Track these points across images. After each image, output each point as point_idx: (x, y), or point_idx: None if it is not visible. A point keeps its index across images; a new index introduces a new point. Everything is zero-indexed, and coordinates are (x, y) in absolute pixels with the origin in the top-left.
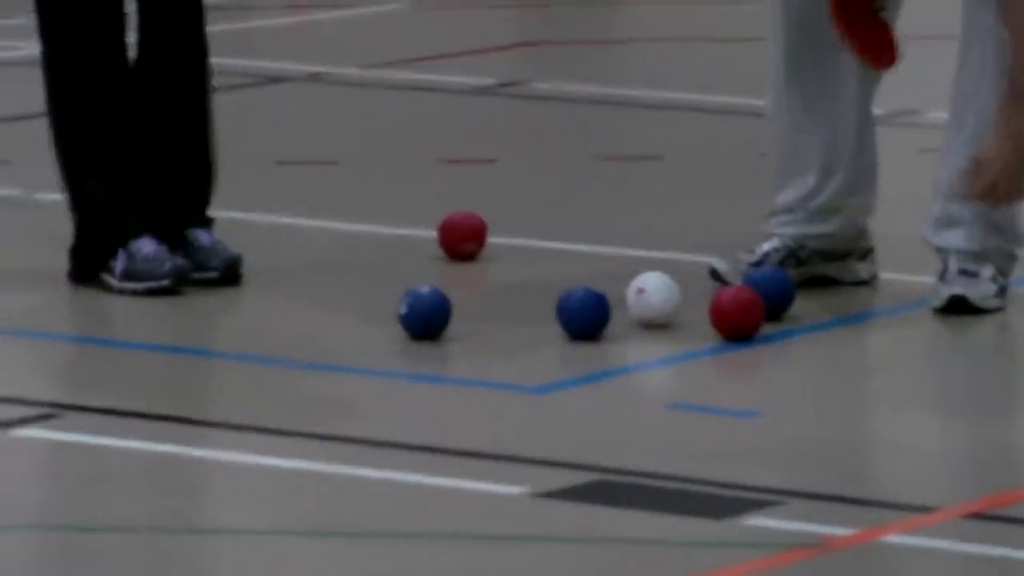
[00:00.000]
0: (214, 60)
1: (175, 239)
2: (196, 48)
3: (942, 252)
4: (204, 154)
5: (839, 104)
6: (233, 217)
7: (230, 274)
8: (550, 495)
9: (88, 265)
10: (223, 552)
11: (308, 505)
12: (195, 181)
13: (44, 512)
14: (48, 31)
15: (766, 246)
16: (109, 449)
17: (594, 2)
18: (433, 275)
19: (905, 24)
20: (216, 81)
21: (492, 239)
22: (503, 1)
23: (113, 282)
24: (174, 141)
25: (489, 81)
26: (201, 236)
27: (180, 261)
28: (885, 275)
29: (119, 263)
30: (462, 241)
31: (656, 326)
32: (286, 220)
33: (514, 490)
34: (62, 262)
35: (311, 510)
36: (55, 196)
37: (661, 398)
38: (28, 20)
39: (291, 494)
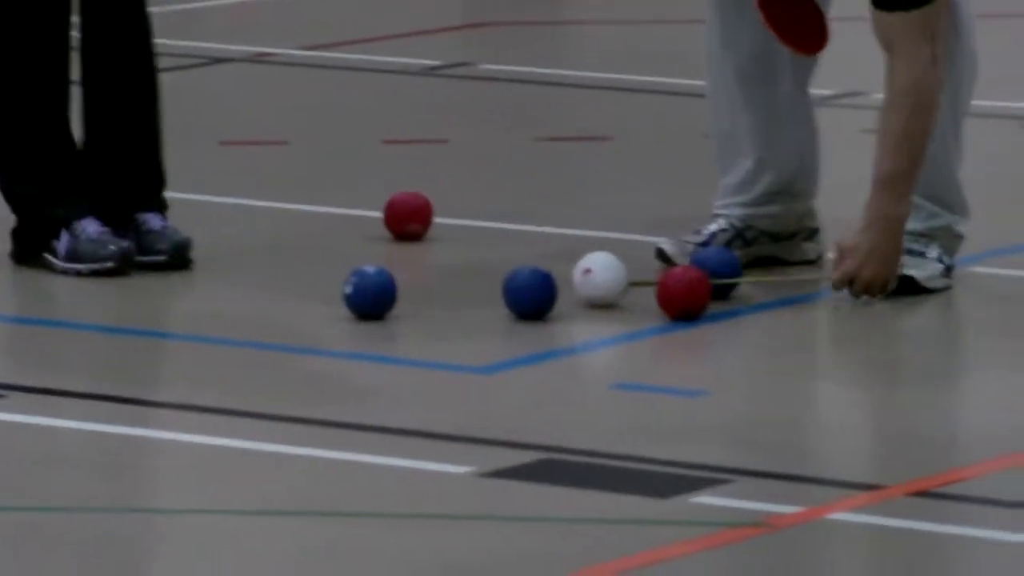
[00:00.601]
0: (158, 41)
1: (125, 222)
2: (140, 29)
3: None
4: (152, 136)
5: (774, 88)
6: (178, 197)
7: (179, 258)
8: (496, 474)
9: (31, 246)
10: (170, 532)
11: (254, 485)
12: (144, 164)
13: None
14: None
15: (713, 227)
16: (55, 429)
17: None
18: (379, 255)
19: (850, 5)
20: (161, 62)
21: (438, 219)
22: None
23: (56, 263)
24: (120, 123)
25: (436, 62)
26: (151, 219)
27: (125, 243)
28: (832, 255)
29: (63, 244)
30: (408, 221)
31: (603, 306)
32: (231, 200)
33: (460, 469)
34: (4, 243)
35: (257, 490)
36: None
37: (608, 378)
38: None
39: (237, 474)
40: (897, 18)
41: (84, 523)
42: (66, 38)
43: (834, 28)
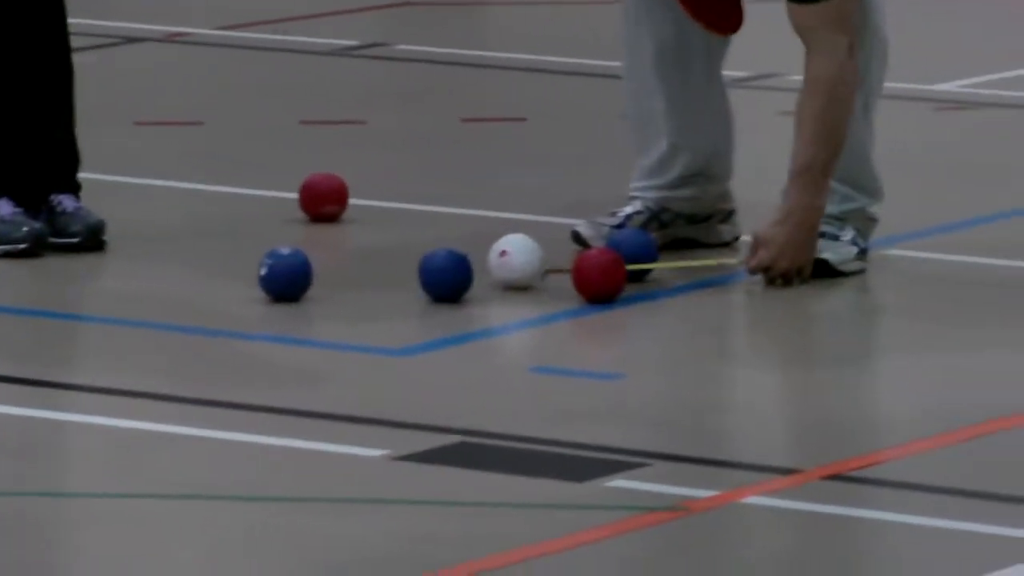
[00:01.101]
0: (71, 20)
1: (38, 203)
2: (53, 8)
3: None
4: (65, 117)
5: (688, 72)
6: (91, 178)
7: (92, 240)
8: (411, 458)
9: None
10: (81, 515)
11: (168, 468)
12: (57, 144)
13: None
14: None
15: (628, 209)
16: None
17: None
18: (294, 237)
19: None
20: (74, 41)
21: (354, 201)
22: None
23: None
24: (33, 103)
25: (353, 42)
26: (65, 201)
27: (37, 225)
28: (747, 237)
29: None
30: (323, 203)
31: (519, 289)
32: (146, 181)
33: (375, 453)
34: None
35: (171, 473)
36: None
37: (524, 360)
38: None
39: (151, 457)
40: (812, 10)
41: None
42: None
43: (750, 10)
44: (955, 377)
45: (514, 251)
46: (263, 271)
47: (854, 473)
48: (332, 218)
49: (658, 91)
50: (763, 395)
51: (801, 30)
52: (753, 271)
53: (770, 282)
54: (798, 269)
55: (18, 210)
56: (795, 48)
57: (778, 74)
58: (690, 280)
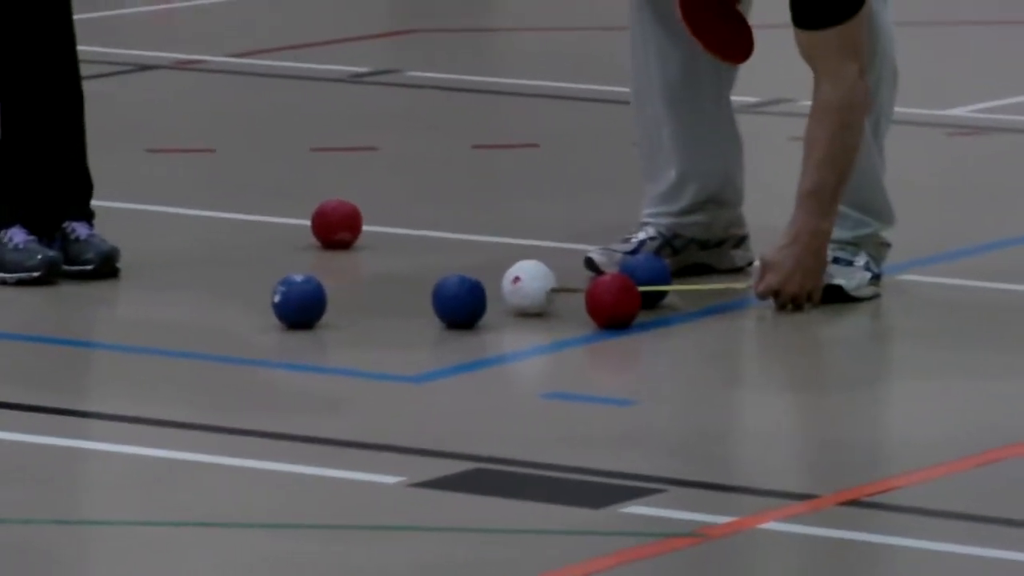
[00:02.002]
0: (82, 47)
1: (51, 231)
2: (63, 35)
3: None
4: (77, 144)
5: (697, 100)
6: (104, 205)
7: (106, 267)
8: (426, 484)
9: None
10: (93, 543)
11: (183, 496)
12: (70, 172)
13: None
14: None
15: (641, 235)
16: None
17: None
18: (308, 264)
19: (776, 13)
20: (85, 69)
21: (367, 228)
22: None
23: None
24: (45, 131)
25: (364, 69)
26: (78, 228)
27: (51, 253)
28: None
29: None
30: (336, 229)
31: (532, 315)
32: (159, 209)
33: (390, 480)
34: None
35: (186, 501)
36: None
37: (537, 387)
38: None
39: (165, 484)
40: (820, 36)
41: (8, 535)
42: None
43: (760, 36)
44: (970, 402)
45: (527, 277)
46: (277, 298)
47: (870, 499)
48: (345, 245)
49: (666, 119)
50: (778, 421)
51: (809, 56)
52: (762, 296)
53: (780, 307)
54: (808, 293)
55: (31, 238)
56: (805, 74)
57: (789, 100)
58: (702, 306)
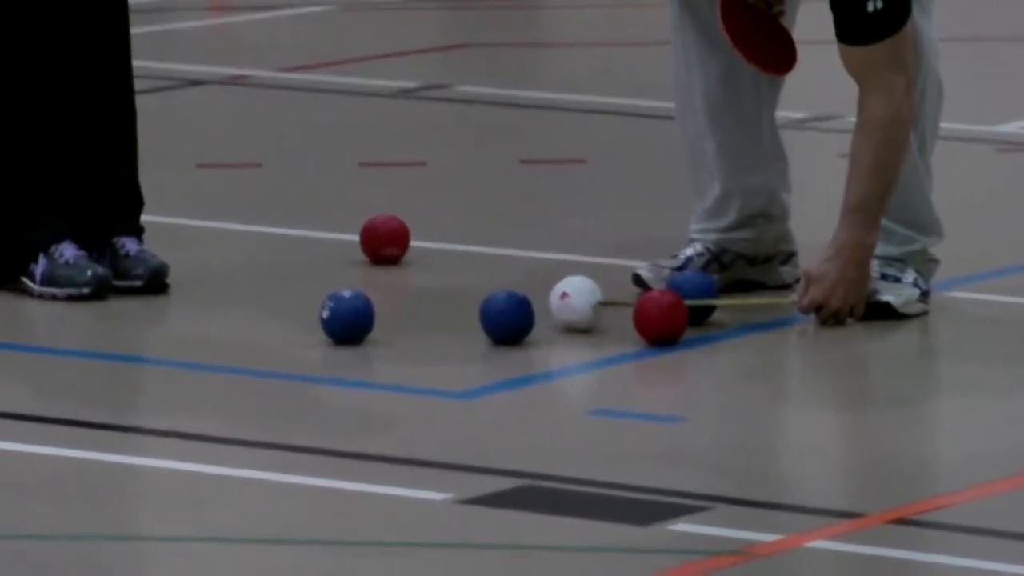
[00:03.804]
0: (135, 63)
1: (101, 246)
2: (118, 51)
3: None
4: (128, 159)
5: (740, 115)
6: (154, 221)
7: (155, 283)
8: (474, 501)
9: (8, 269)
10: (145, 559)
11: (231, 512)
12: (121, 187)
13: None
14: None
15: (689, 251)
16: (31, 456)
17: (517, 5)
18: (356, 279)
19: (823, 29)
20: (137, 84)
21: (415, 243)
22: (425, 4)
23: (33, 287)
24: (97, 146)
25: (413, 83)
26: (128, 244)
27: (101, 270)
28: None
29: (40, 268)
30: (385, 245)
31: (579, 331)
32: (208, 224)
33: (438, 496)
34: None
35: (234, 517)
36: None
37: (585, 403)
38: None
39: (213, 501)
40: (865, 51)
41: (62, 551)
42: (46, 63)
43: (808, 52)
44: (1018, 420)
45: (575, 293)
46: (325, 313)
47: (917, 517)
48: (393, 260)
49: (709, 135)
50: (824, 438)
51: (855, 71)
52: (805, 310)
53: (823, 321)
54: (851, 307)
55: (81, 253)
56: (853, 90)
57: (837, 116)
58: (749, 322)
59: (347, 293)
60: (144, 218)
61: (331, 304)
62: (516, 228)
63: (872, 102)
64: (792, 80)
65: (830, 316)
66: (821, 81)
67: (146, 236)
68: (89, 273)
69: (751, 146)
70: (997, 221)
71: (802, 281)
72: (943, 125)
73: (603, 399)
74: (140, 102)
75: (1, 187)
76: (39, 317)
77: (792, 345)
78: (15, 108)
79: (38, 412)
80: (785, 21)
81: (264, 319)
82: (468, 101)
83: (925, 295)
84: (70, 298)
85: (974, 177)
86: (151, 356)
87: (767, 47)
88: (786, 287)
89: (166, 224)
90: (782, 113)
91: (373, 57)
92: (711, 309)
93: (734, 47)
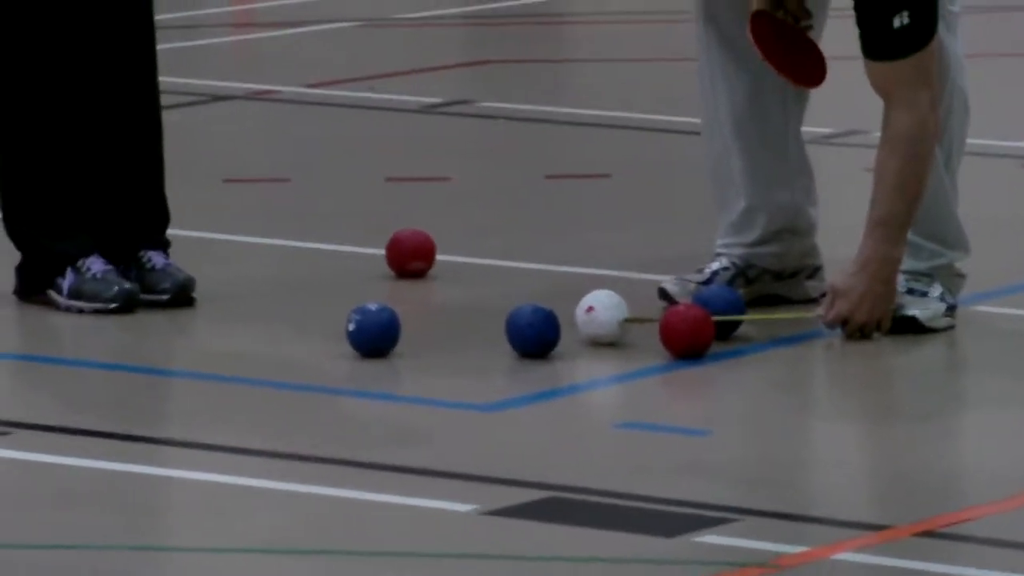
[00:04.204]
0: (161, 78)
1: (127, 260)
2: (145, 66)
3: None
4: (155, 174)
5: (766, 130)
6: (180, 235)
7: (182, 297)
8: (500, 513)
9: (35, 282)
10: (172, 570)
11: (258, 522)
12: (147, 201)
13: None
14: None
15: (715, 265)
16: (60, 467)
17: (541, 21)
18: (382, 293)
19: (849, 44)
20: (163, 99)
21: (440, 257)
22: (450, 20)
23: (60, 300)
24: (124, 160)
25: (438, 99)
26: (154, 258)
27: (128, 285)
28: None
29: (67, 282)
30: (410, 259)
31: (605, 344)
32: (234, 238)
33: (464, 508)
34: (9, 279)
35: (261, 527)
36: None
37: (611, 416)
38: None
39: (241, 512)
40: (891, 67)
41: (91, 560)
42: (73, 77)
43: (834, 68)
44: None
45: (600, 307)
46: (351, 327)
47: (944, 529)
48: (419, 274)
49: (735, 150)
50: (851, 450)
51: (880, 87)
52: (831, 324)
53: (849, 335)
54: (876, 321)
55: (109, 267)
56: (879, 105)
57: (863, 131)
58: (774, 336)
59: (373, 306)
60: (170, 232)
61: (357, 317)
62: (542, 242)
63: (897, 117)
64: (818, 95)
65: (856, 330)
66: (847, 96)
67: (172, 250)
68: (116, 288)
69: (777, 161)
70: (1023, 236)
71: (828, 295)
72: (968, 141)
73: (629, 412)
74: (166, 117)
75: (29, 201)
76: (66, 329)
77: (818, 359)
78: (43, 123)
79: (65, 424)
80: (812, 35)
81: (290, 332)
82: (493, 116)
83: (951, 309)
84: (97, 311)
85: (1000, 192)
86: (177, 369)
87: (797, 61)
88: (812, 301)
89: (192, 238)
90: (808, 128)
91: (398, 73)
92: (737, 323)
93: (765, 60)
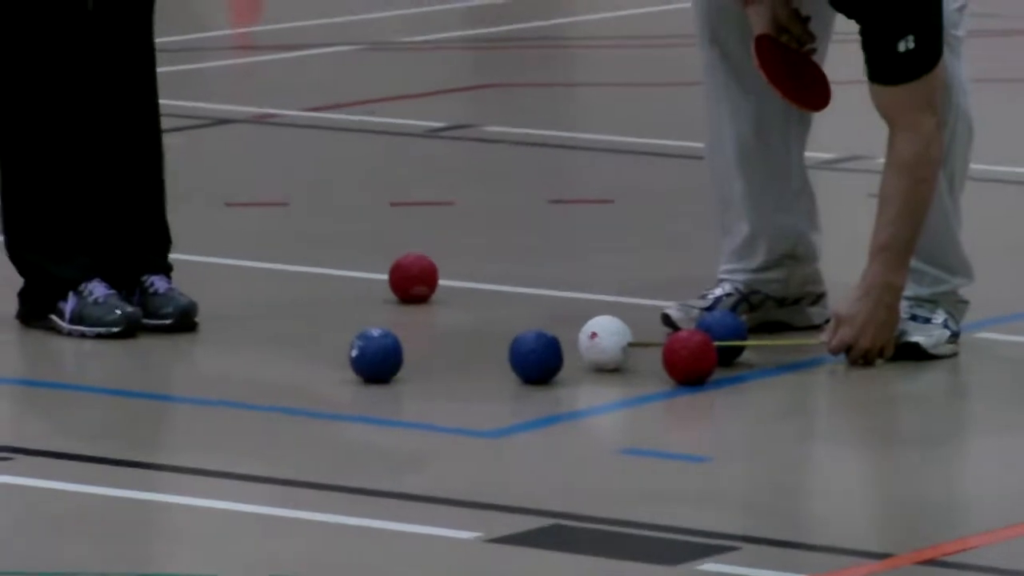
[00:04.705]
0: (162, 101)
1: (130, 284)
2: (145, 90)
3: None
4: (156, 198)
5: (769, 157)
6: (183, 259)
7: (184, 321)
8: (503, 540)
9: (38, 307)
10: None
11: (258, 549)
12: (149, 225)
13: None
14: None
15: (718, 291)
16: (60, 493)
17: (544, 45)
18: (384, 318)
19: (852, 69)
20: (164, 123)
21: (443, 282)
22: (455, 44)
23: (62, 324)
24: (125, 185)
25: (440, 123)
26: (157, 282)
27: (130, 309)
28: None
29: (69, 305)
30: (413, 284)
31: (608, 371)
32: (236, 262)
33: (467, 535)
34: (12, 304)
35: (263, 554)
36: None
37: (614, 443)
38: None
39: (242, 538)
40: (897, 91)
41: None
42: (74, 101)
43: (837, 92)
44: None
45: (604, 333)
46: (354, 352)
47: (947, 558)
48: (422, 299)
49: (738, 175)
50: (854, 478)
51: (885, 111)
52: (834, 350)
53: (852, 361)
54: (880, 348)
55: (111, 292)
56: (882, 130)
57: (866, 156)
58: (777, 363)
59: (376, 332)
60: (172, 256)
61: (360, 343)
62: (545, 267)
63: (902, 142)
64: (821, 120)
65: (859, 357)
66: (850, 121)
67: (174, 274)
68: (118, 312)
69: (780, 187)
70: None
71: (832, 321)
72: (973, 166)
73: (632, 438)
74: (168, 141)
75: (31, 225)
76: (68, 354)
77: (821, 385)
78: (45, 147)
79: (66, 449)
80: (815, 58)
81: (293, 358)
82: (496, 141)
83: (955, 336)
84: (99, 336)
85: (1004, 218)
86: (179, 394)
87: (801, 84)
88: (815, 328)
89: (194, 262)
90: (811, 153)
91: (400, 97)
92: (740, 350)
93: (770, 84)
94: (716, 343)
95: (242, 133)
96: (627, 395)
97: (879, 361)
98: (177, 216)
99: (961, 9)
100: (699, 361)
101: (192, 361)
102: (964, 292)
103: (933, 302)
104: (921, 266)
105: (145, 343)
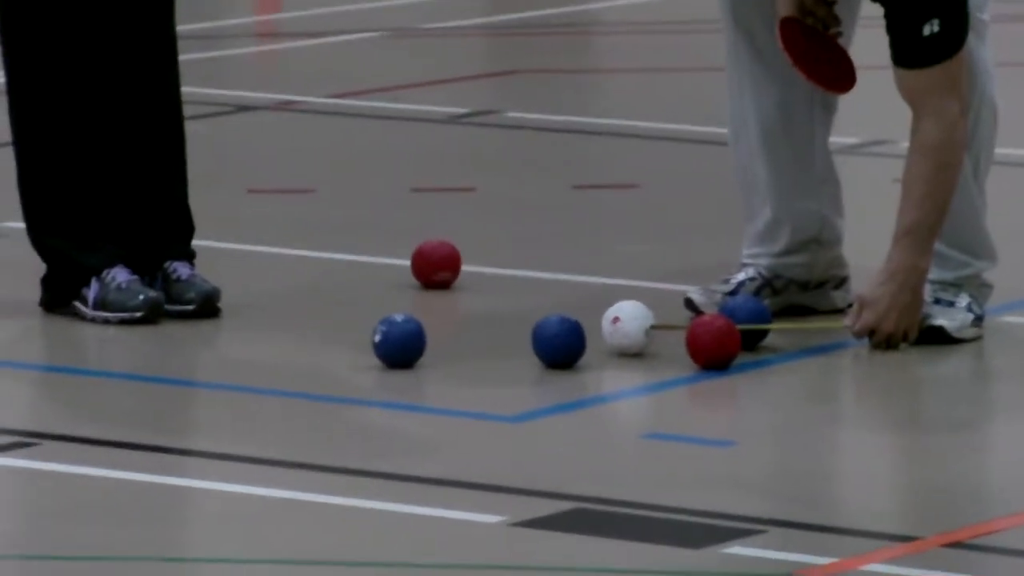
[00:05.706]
0: (183, 89)
1: (153, 270)
2: (167, 77)
3: None
4: (179, 185)
5: (793, 141)
6: (205, 245)
7: (207, 307)
8: (527, 524)
9: (61, 294)
10: None
11: (284, 534)
12: (172, 212)
13: (19, 541)
14: (13, 61)
15: (741, 276)
16: (85, 478)
17: (567, 31)
18: (407, 303)
19: (878, 53)
20: (186, 110)
21: (466, 267)
22: (476, 30)
23: (85, 311)
24: (148, 171)
25: (463, 109)
26: (180, 268)
27: (153, 293)
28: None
29: (92, 292)
30: (436, 269)
31: (631, 355)
32: (258, 248)
33: (491, 519)
34: (35, 291)
35: (287, 539)
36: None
37: (637, 427)
38: None
39: (267, 523)
40: (922, 75)
41: (115, 572)
42: (96, 88)
43: (862, 77)
44: None
45: (626, 317)
46: (377, 338)
47: (972, 541)
48: (445, 285)
49: (762, 160)
50: (877, 461)
51: (910, 95)
52: (858, 334)
53: (876, 345)
54: (904, 331)
55: (134, 277)
56: (907, 115)
57: (890, 141)
58: (801, 346)
59: (399, 317)
60: (195, 243)
61: (383, 328)
62: (568, 253)
63: (926, 126)
64: (846, 105)
65: (883, 341)
66: (875, 106)
67: (197, 260)
68: (141, 297)
69: (803, 171)
70: None
71: (855, 305)
72: (997, 150)
73: (655, 423)
74: (190, 128)
75: (54, 212)
76: (91, 340)
77: (845, 369)
78: (67, 134)
79: (90, 435)
80: (842, 41)
81: (316, 343)
82: (518, 127)
83: (979, 320)
84: (122, 322)
85: None
86: (202, 379)
87: (827, 67)
88: (839, 312)
89: (217, 249)
90: (836, 138)
91: (423, 83)
92: (763, 333)
93: (794, 66)
94: (739, 327)
95: (264, 120)
96: (650, 380)
97: (903, 345)
98: (199, 203)
99: None
100: (722, 346)
101: (215, 347)
102: (988, 276)
103: (957, 286)
104: (945, 250)
105: (168, 329)
